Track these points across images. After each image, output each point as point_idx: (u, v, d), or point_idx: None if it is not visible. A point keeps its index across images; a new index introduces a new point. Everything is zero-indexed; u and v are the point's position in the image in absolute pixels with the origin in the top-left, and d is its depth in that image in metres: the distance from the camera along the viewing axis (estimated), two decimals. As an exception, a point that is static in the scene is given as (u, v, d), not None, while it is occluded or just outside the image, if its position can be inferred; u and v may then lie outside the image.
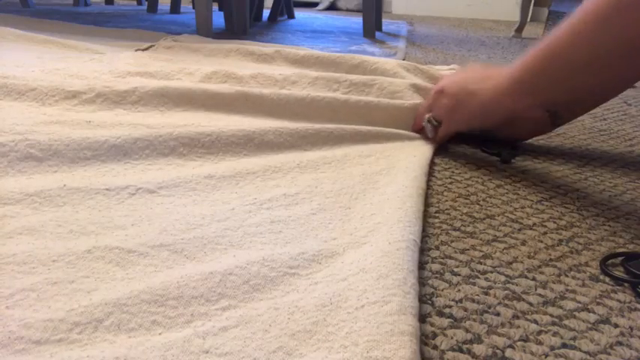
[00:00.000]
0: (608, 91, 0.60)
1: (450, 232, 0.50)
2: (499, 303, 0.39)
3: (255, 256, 0.40)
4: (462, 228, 0.50)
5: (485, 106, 0.62)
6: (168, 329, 0.33)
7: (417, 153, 0.63)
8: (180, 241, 0.42)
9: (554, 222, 0.53)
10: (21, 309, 0.33)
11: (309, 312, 0.35)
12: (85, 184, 0.51)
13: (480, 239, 0.48)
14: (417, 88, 0.84)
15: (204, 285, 0.36)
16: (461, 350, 0.34)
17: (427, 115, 0.69)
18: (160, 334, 0.32)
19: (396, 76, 0.96)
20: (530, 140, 0.79)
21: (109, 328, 0.32)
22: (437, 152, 0.72)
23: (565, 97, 0.59)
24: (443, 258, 0.45)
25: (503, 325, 0.37)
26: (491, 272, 0.43)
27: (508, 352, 0.34)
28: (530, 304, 0.39)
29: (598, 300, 0.40)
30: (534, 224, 0.52)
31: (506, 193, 0.59)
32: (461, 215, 0.53)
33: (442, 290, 0.40)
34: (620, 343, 0.35)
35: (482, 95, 0.62)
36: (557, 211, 0.55)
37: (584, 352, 0.34)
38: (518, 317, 0.37)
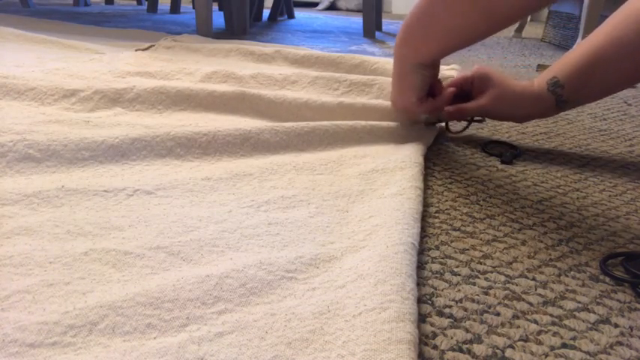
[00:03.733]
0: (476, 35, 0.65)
1: (450, 232, 0.49)
2: (499, 303, 0.39)
3: (252, 259, 0.40)
4: (462, 228, 0.50)
5: (395, 69, 0.71)
6: (163, 333, 0.32)
7: (412, 151, 0.63)
8: (177, 243, 0.42)
9: (554, 222, 0.52)
10: (16, 311, 0.33)
11: (306, 319, 0.34)
12: (83, 185, 0.51)
13: (480, 239, 0.48)
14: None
15: (201, 288, 0.36)
16: (461, 350, 0.33)
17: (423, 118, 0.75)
18: (154, 338, 0.32)
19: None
20: (530, 140, 0.79)
21: (104, 331, 0.32)
22: (437, 152, 0.71)
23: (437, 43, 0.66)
24: (443, 258, 0.44)
25: (503, 325, 0.36)
26: (491, 272, 0.43)
27: (508, 352, 0.34)
28: (530, 304, 0.39)
29: (598, 300, 0.40)
30: (534, 224, 0.52)
31: (506, 193, 0.59)
32: (461, 215, 0.53)
33: (442, 290, 0.40)
34: (620, 343, 0.35)
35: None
36: (557, 211, 0.55)
37: (584, 352, 0.34)
38: (518, 317, 0.37)
